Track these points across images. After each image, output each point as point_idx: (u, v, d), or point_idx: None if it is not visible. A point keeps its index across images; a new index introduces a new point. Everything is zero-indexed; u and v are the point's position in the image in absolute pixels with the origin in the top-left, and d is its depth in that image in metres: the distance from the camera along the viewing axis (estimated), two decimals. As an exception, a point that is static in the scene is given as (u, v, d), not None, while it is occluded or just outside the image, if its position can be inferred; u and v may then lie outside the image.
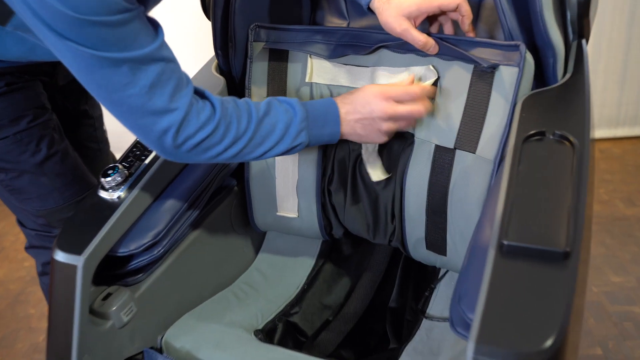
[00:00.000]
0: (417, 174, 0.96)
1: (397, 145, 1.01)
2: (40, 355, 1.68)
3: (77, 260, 0.84)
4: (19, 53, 0.96)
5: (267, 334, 1.02)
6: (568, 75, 0.90)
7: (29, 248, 1.19)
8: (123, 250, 0.91)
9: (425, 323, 1.00)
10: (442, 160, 0.94)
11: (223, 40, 1.09)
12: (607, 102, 2.48)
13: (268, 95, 1.08)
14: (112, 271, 0.94)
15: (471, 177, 0.92)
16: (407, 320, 1.05)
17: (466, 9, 0.89)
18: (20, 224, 1.16)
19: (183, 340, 0.96)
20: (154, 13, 0.90)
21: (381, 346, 1.03)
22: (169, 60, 0.80)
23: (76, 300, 0.85)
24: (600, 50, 2.37)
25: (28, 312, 1.86)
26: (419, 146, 0.97)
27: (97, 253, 0.86)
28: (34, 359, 1.66)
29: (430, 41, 0.91)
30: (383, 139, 0.95)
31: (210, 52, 1.13)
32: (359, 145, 1.04)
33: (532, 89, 0.90)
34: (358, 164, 1.04)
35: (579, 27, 0.93)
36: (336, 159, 1.05)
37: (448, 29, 0.94)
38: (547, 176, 0.75)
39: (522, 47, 0.86)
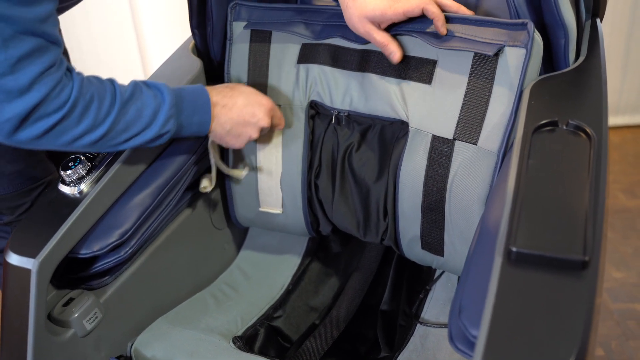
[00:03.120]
0: (413, 167, 0.87)
1: (390, 135, 0.92)
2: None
3: (31, 264, 0.75)
4: None
5: (247, 341, 0.93)
6: (582, 59, 0.81)
7: None
8: (85, 252, 0.82)
9: (419, 329, 0.92)
10: (440, 152, 0.85)
11: (200, 18, 0.99)
12: (608, 89, 2.40)
13: (249, 80, 0.99)
14: (75, 274, 0.85)
15: (472, 170, 0.83)
16: (399, 325, 0.97)
17: (433, 12, 0.81)
18: None
19: (155, 348, 0.88)
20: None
21: (372, 354, 0.95)
22: (52, 40, 0.72)
23: (31, 308, 0.76)
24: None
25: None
26: (414, 136, 0.88)
27: (54, 255, 0.77)
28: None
29: (392, 46, 0.85)
30: (242, 145, 0.93)
31: (188, 32, 1.04)
32: (349, 136, 0.95)
33: (540, 74, 0.81)
34: (347, 155, 0.95)
35: (593, 5, 0.84)
36: (324, 150, 0.96)
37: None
38: (560, 172, 0.66)
39: (530, 25, 0.77)
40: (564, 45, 0.81)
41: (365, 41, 0.90)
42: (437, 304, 0.95)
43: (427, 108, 0.86)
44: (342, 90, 0.93)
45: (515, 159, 0.68)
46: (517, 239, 0.59)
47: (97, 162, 0.86)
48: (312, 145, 0.97)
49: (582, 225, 0.60)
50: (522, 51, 0.77)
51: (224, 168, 0.98)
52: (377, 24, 0.85)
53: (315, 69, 0.94)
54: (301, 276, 1.08)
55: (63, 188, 0.84)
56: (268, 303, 1.02)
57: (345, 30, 0.90)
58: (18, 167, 0.99)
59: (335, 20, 0.91)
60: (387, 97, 0.89)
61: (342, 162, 0.95)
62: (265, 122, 0.91)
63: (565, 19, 0.79)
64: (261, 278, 1.07)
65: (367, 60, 0.91)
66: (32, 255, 0.75)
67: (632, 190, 2.04)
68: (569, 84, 0.78)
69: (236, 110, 0.90)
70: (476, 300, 0.61)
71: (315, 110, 0.97)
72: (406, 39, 0.87)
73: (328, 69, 0.93)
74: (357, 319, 1.02)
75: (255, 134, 0.91)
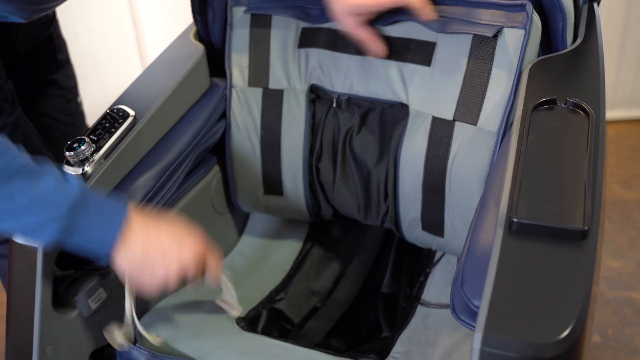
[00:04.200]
0: (413, 148, 0.89)
1: (390, 118, 0.93)
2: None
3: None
4: None
5: (250, 322, 0.94)
6: (579, 41, 0.83)
7: None
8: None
9: (420, 310, 0.93)
10: (440, 133, 0.86)
11: (201, 4, 1.00)
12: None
13: (250, 65, 0.99)
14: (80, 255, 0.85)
15: (472, 151, 0.84)
16: (400, 307, 0.98)
17: (416, 1, 0.82)
18: None
19: (159, 329, 0.88)
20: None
21: (373, 335, 0.96)
22: None
23: (37, 287, 0.76)
24: (597, 29, 2.30)
25: (0, 299, 1.77)
26: (414, 118, 0.89)
27: (60, 234, 0.78)
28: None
29: (376, 43, 0.87)
30: (154, 286, 0.75)
31: (190, 18, 1.05)
32: (349, 119, 0.96)
33: (538, 56, 0.82)
34: (348, 138, 0.96)
35: (591, -12, 0.85)
36: (324, 134, 0.97)
37: None
38: (560, 147, 0.67)
39: (529, 6, 0.78)
40: (562, 28, 0.82)
41: None
42: (437, 286, 0.96)
43: (427, 90, 0.87)
44: (343, 74, 0.94)
45: (515, 136, 0.69)
46: (518, 210, 0.60)
47: (102, 143, 0.86)
48: (313, 129, 0.98)
49: (581, 197, 0.61)
50: (521, 32, 0.79)
51: (138, 327, 0.83)
52: (362, 16, 0.85)
53: (316, 53, 0.95)
54: (302, 260, 1.08)
55: (67, 169, 0.84)
56: (270, 286, 1.03)
57: None
58: None
59: None
60: (387, 80, 0.91)
61: (343, 145, 0.96)
62: (189, 262, 0.75)
63: (563, 1, 0.80)
64: (263, 263, 1.08)
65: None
66: (39, 233, 0.76)
67: (628, 183, 2.06)
68: (566, 64, 0.79)
69: (156, 239, 0.73)
70: (478, 271, 0.62)
71: (316, 94, 0.98)
72: (404, 23, 0.88)
73: (328, 53, 0.94)
74: (358, 302, 1.03)
75: (174, 272, 0.74)
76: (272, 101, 0.99)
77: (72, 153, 0.84)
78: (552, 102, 0.72)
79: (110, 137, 0.87)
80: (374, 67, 0.91)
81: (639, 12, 2.27)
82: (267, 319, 0.97)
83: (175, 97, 0.95)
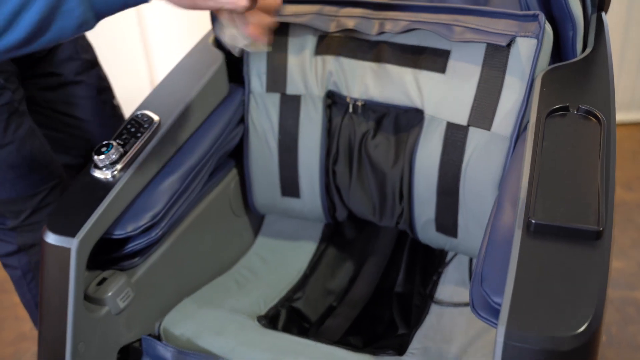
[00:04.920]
0: (428, 152, 0.92)
1: (405, 122, 0.96)
2: (28, 344, 1.62)
3: (70, 243, 0.79)
4: None
5: (270, 320, 0.97)
6: (589, 49, 0.86)
7: None
8: (119, 232, 0.86)
9: (434, 308, 0.97)
10: (455, 138, 0.90)
11: (221, 12, 1.03)
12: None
13: (268, 71, 1.03)
14: (107, 255, 0.89)
15: (486, 154, 0.88)
16: (415, 305, 1.01)
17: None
18: None
19: (183, 327, 0.92)
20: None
21: (389, 332, 0.99)
22: None
23: (70, 286, 0.80)
24: (598, 33, 2.35)
25: (13, 300, 1.79)
26: (429, 123, 0.92)
27: (92, 235, 0.81)
28: (21, 348, 1.60)
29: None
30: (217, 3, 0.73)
31: (194, 36, 1.08)
32: (365, 124, 0.99)
33: (549, 64, 0.86)
34: (364, 142, 1.00)
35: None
36: (341, 138, 1.01)
37: None
38: (573, 152, 0.71)
39: (541, 16, 0.81)
40: (572, 37, 0.86)
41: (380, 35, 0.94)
42: (450, 285, 1.00)
43: (442, 96, 0.91)
44: (359, 80, 0.97)
45: (530, 141, 0.72)
46: (535, 211, 0.64)
47: (129, 147, 0.90)
48: (329, 133, 1.01)
49: (595, 199, 0.64)
50: (534, 41, 0.82)
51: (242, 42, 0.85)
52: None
53: (332, 60, 0.99)
54: (318, 261, 1.12)
55: (96, 172, 0.88)
56: (287, 286, 1.06)
57: (360, 25, 0.94)
58: (20, 172, 0.99)
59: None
60: (402, 86, 0.94)
61: (358, 149, 1.00)
62: None
63: (574, 12, 0.84)
64: (279, 263, 1.11)
65: (383, 50, 0.95)
66: (72, 234, 0.79)
67: (629, 185, 2.10)
68: (578, 72, 0.83)
69: None
70: (497, 270, 0.66)
71: (332, 100, 1.01)
72: (419, 32, 0.92)
73: (345, 60, 0.98)
74: (373, 301, 1.06)
75: None
76: (290, 106, 1.03)
77: (101, 157, 0.87)
78: (565, 109, 0.76)
79: (136, 142, 0.90)
80: (390, 73, 0.94)
81: (639, 17, 2.31)
82: (286, 318, 1.00)
83: (197, 103, 0.98)
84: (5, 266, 1.10)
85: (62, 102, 1.12)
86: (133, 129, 0.92)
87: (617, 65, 2.41)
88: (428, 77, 0.92)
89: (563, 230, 0.62)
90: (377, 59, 0.96)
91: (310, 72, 1.00)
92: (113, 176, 0.87)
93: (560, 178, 0.68)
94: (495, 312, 0.63)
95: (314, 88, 1.01)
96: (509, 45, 0.84)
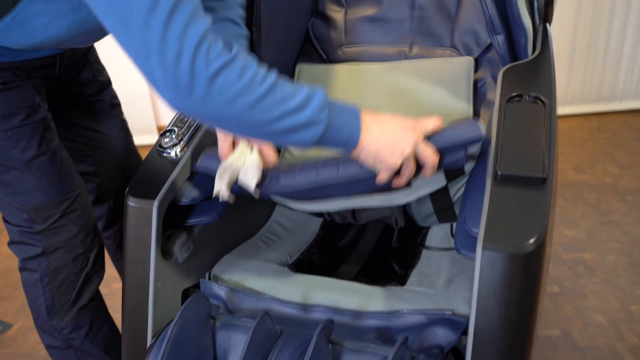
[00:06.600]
0: None
1: None
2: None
3: (152, 204, 1.03)
4: (26, 42, 0.97)
5: (297, 268, 1.22)
6: (537, 52, 1.14)
7: (11, 244, 1.19)
8: (185, 200, 1.09)
9: (425, 253, 1.23)
10: None
11: (248, 22, 1.27)
12: (556, 83, 2.77)
13: None
14: (171, 218, 1.12)
15: None
16: (409, 252, 1.28)
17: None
18: (5, 221, 1.16)
19: (229, 274, 1.16)
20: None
21: (390, 274, 1.26)
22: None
23: (152, 237, 1.03)
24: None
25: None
26: None
27: (166, 199, 1.05)
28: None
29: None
30: (398, 162, 0.89)
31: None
32: None
33: (507, 64, 1.14)
34: None
35: (545, 14, 1.17)
36: None
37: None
38: (526, 126, 0.98)
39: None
40: (524, 43, 1.14)
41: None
42: (437, 236, 1.26)
43: None
44: None
45: (495, 119, 1.00)
46: (500, 165, 0.91)
47: (185, 131, 1.13)
48: None
49: (541, 157, 0.92)
50: None
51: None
52: None
53: None
54: (327, 225, 1.37)
55: (163, 153, 1.11)
56: (305, 244, 1.31)
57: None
58: (51, 180, 1.10)
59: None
60: None
61: None
62: (416, 139, 0.89)
63: (525, 24, 1.11)
64: (295, 228, 1.37)
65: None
66: (153, 197, 1.03)
67: (579, 168, 2.41)
68: (529, 69, 1.10)
69: (387, 125, 0.88)
70: (475, 210, 0.92)
71: None
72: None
73: None
74: (375, 254, 1.33)
75: (408, 148, 0.88)
76: None
77: (166, 139, 1.11)
78: (520, 96, 1.03)
79: (192, 126, 1.14)
80: None
81: (586, 22, 2.62)
82: (308, 266, 1.25)
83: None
84: (24, 270, 1.19)
85: (82, 116, 1.25)
86: (185, 117, 1.16)
87: (568, 64, 2.72)
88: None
89: (520, 178, 0.90)
90: None
91: None
92: (175, 155, 1.11)
93: (518, 143, 0.95)
94: (473, 247, 0.86)
95: None
96: None
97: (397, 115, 0.91)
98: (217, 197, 1.06)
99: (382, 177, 0.92)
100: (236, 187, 1.03)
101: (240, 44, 1.01)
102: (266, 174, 1.02)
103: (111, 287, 1.79)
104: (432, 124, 0.92)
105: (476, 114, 1.22)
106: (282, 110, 0.79)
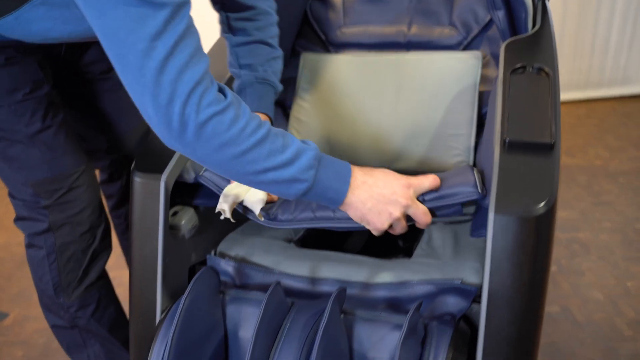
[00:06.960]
0: None
1: None
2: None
3: (159, 179, 1.02)
4: (27, 40, 0.98)
5: (302, 244, 1.23)
6: (537, 27, 1.16)
7: (17, 220, 1.18)
8: (188, 177, 1.09)
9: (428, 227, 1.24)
10: None
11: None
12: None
13: None
14: (177, 196, 1.12)
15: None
16: (412, 225, 1.28)
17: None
18: (11, 195, 1.17)
19: (236, 250, 1.16)
20: None
21: (395, 250, 1.27)
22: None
23: (160, 212, 1.03)
24: (539, 24, 2.69)
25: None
26: None
27: (173, 174, 1.05)
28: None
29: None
30: (385, 225, 0.88)
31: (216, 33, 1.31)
32: None
33: (507, 39, 1.15)
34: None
35: (544, -10, 1.19)
36: None
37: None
38: (531, 95, 1.00)
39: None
40: (524, 18, 1.15)
41: None
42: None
43: None
44: None
45: (499, 89, 1.01)
46: (508, 132, 0.92)
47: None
48: None
49: (548, 124, 0.93)
50: None
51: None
52: None
53: None
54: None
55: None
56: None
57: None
58: (56, 154, 1.10)
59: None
60: None
61: None
62: (406, 201, 0.87)
63: (525, 0, 1.13)
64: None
65: None
66: (160, 172, 1.03)
67: (570, 152, 2.45)
68: (530, 42, 1.12)
69: (377, 188, 0.86)
70: (486, 176, 0.93)
71: None
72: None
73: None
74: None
75: (397, 212, 0.87)
76: None
77: (172, 116, 1.10)
78: (523, 67, 1.05)
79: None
80: None
81: (574, 10, 2.66)
82: (313, 241, 1.26)
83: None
84: (30, 246, 1.18)
85: (92, 94, 1.24)
86: None
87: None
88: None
89: (528, 144, 0.91)
90: None
91: None
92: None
93: (524, 111, 0.96)
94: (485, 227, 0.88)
95: None
96: None
97: (391, 174, 0.88)
98: None
99: (373, 233, 0.91)
100: (240, 207, 1.04)
101: (269, 68, 1.07)
102: (269, 207, 1.03)
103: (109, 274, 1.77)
104: (428, 183, 0.90)
105: (480, 116, 1.23)
106: (268, 165, 0.79)
